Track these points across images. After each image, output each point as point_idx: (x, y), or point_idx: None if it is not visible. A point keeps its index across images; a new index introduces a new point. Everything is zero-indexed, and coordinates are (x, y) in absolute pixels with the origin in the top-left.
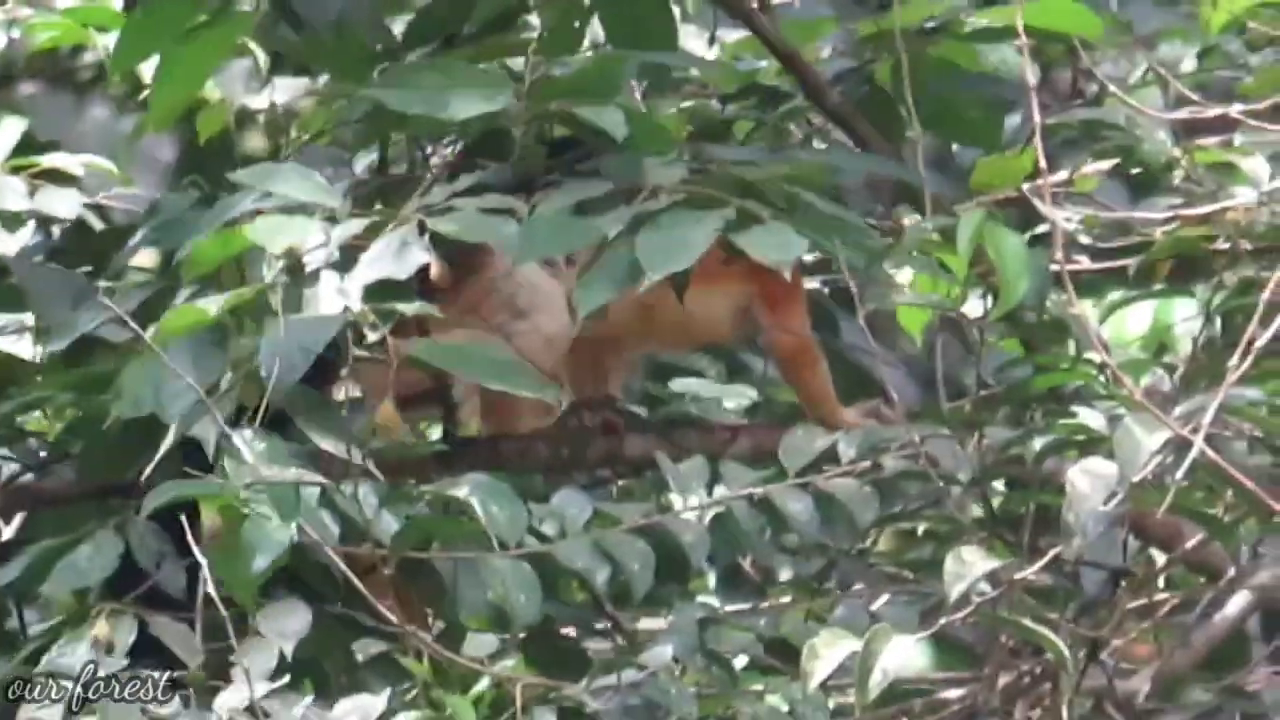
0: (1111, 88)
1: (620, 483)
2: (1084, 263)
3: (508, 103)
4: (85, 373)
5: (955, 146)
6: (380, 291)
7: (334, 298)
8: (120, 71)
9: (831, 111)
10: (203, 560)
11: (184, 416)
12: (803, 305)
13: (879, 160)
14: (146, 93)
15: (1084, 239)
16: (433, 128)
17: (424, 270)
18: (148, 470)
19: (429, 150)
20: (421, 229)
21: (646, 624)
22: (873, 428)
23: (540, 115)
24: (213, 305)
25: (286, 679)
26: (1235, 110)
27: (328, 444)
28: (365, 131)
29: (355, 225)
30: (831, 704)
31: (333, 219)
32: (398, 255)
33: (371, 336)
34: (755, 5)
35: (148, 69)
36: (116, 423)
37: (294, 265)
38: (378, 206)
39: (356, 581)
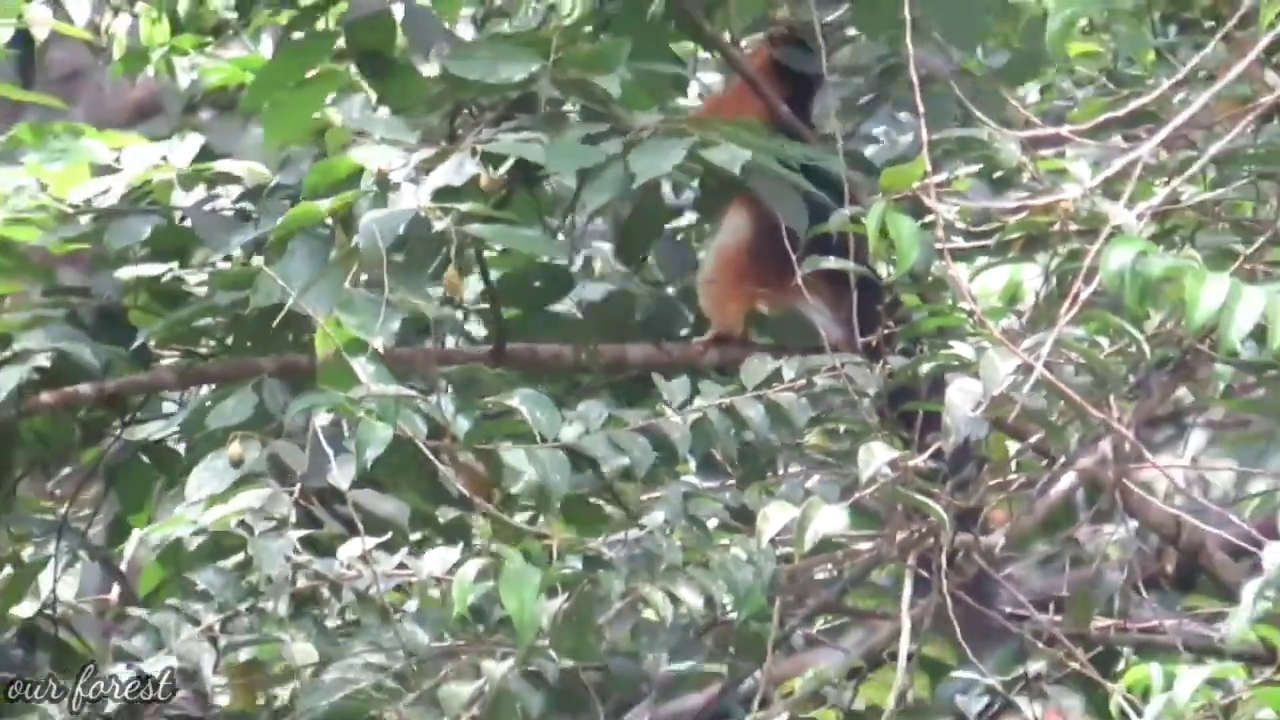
0: (978, 114)
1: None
2: (959, 240)
3: (539, 69)
4: (237, 272)
5: (868, 151)
6: (444, 195)
7: (410, 199)
8: (251, 108)
9: (782, 125)
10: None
11: (303, 295)
12: None
13: (815, 151)
14: None
15: (959, 224)
16: (485, 90)
17: None
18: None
19: (479, 113)
20: (474, 152)
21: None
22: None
23: (561, 80)
24: (323, 205)
25: (389, 535)
26: (1066, 130)
27: (415, 299)
28: (438, 98)
29: (427, 151)
30: (777, 553)
31: (410, 149)
32: (457, 170)
33: (437, 226)
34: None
35: None
36: (255, 312)
37: (382, 180)
38: (444, 144)
39: (439, 464)
